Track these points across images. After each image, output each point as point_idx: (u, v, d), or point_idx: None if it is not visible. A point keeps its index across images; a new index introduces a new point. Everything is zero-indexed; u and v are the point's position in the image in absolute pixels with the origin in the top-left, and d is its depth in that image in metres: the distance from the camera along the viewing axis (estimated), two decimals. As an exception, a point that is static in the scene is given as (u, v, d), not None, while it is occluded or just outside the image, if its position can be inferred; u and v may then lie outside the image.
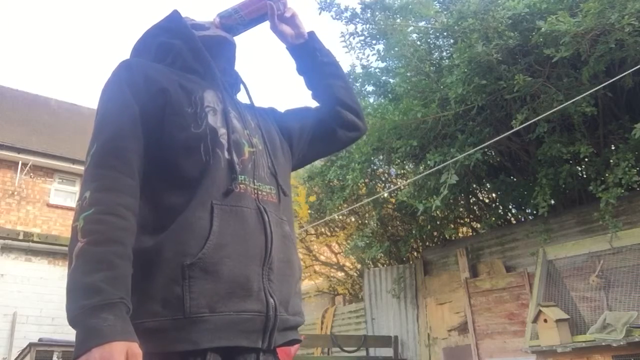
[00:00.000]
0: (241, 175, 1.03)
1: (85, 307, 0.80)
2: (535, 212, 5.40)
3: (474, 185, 6.21)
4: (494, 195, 6.39)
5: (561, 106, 4.10)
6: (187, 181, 0.99)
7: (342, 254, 8.51)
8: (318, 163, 6.57)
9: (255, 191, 1.04)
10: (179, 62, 1.17)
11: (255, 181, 1.06)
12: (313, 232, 8.26)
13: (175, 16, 1.25)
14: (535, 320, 4.13)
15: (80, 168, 11.04)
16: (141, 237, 0.94)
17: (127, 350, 0.79)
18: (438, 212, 5.60)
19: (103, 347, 0.77)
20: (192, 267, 0.91)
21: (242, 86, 1.27)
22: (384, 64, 6.01)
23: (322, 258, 8.86)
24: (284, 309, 1.01)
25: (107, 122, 1.00)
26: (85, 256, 0.85)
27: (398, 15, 5.42)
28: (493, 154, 5.54)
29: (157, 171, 1.00)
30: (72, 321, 0.82)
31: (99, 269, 0.83)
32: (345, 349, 5.72)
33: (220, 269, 0.93)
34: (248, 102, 1.26)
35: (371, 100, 6.25)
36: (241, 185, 1.02)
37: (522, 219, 5.99)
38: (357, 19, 5.36)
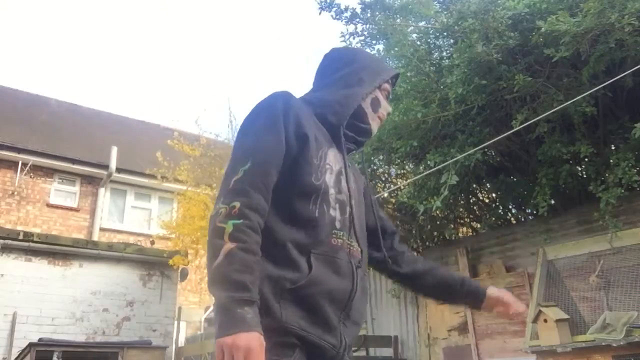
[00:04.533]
0: (341, 231, 1.20)
1: (235, 298, 0.99)
2: (535, 212, 5.40)
3: (474, 185, 6.21)
4: (494, 195, 6.39)
5: (561, 106, 4.10)
6: (295, 223, 1.16)
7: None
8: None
9: (349, 246, 1.21)
10: (325, 113, 1.32)
11: (349, 237, 1.22)
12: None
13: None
14: (535, 320, 4.13)
15: (80, 168, 11.06)
16: None
17: (260, 340, 0.98)
18: (438, 212, 5.59)
19: (249, 333, 0.96)
20: (290, 291, 1.10)
21: (358, 154, 1.52)
22: (384, 64, 6.00)
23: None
24: (347, 352, 1.19)
25: (262, 147, 1.16)
26: (236, 257, 1.02)
27: (398, 15, 5.42)
28: (493, 154, 5.53)
29: (274, 205, 1.15)
30: (221, 307, 1.00)
31: (247, 272, 1.02)
32: (345, 349, 5.71)
33: (311, 301, 1.11)
34: (356, 166, 1.50)
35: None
36: (338, 240, 1.19)
37: (522, 219, 5.99)
38: (357, 19, 5.36)
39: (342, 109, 1.32)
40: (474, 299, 1.50)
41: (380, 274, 1.61)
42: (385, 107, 1.43)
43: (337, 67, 1.40)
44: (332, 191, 1.20)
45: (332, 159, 1.25)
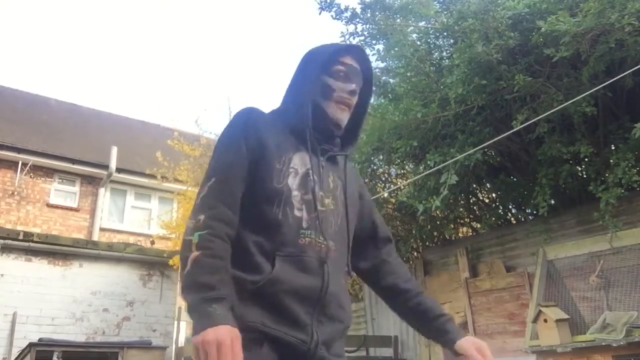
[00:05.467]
0: (308, 230, 1.22)
1: (202, 298, 1.05)
2: (535, 212, 5.40)
3: (474, 185, 6.21)
4: (494, 195, 6.39)
5: (561, 106, 4.10)
6: (260, 228, 1.20)
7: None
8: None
9: (319, 244, 1.23)
10: (287, 119, 1.34)
11: (321, 236, 1.23)
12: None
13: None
14: (535, 320, 4.13)
15: (80, 168, 11.06)
16: None
17: (230, 332, 1.02)
18: (438, 212, 5.60)
19: (215, 328, 1.01)
20: (252, 292, 1.14)
21: (343, 157, 1.43)
22: (384, 64, 6.01)
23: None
24: (325, 347, 1.20)
25: (224, 162, 1.24)
26: (201, 262, 1.09)
27: (398, 15, 5.42)
28: (493, 154, 5.53)
29: (242, 214, 1.21)
30: (191, 309, 1.06)
31: (213, 273, 1.08)
32: (345, 348, 5.71)
33: (274, 300, 1.15)
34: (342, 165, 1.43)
35: (371, 100, 6.25)
36: (306, 239, 1.21)
37: (522, 219, 5.98)
38: (357, 19, 5.36)
39: (299, 110, 1.32)
40: (442, 342, 1.35)
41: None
42: (341, 88, 1.34)
43: (294, 72, 1.42)
44: (295, 193, 1.23)
45: (298, 162, 1.27)
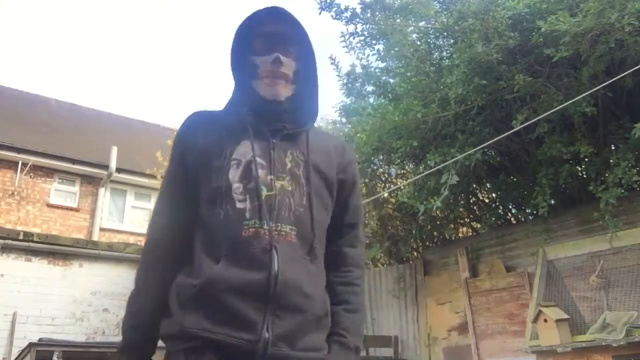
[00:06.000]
0: (251, 220, 1.14)
1: (121, 347, 1.22)
2: (535, 212, 5.40)
3: (474, 185, 6.21)
4: (494, 195, 6.39)
5: (561, 106, 4.10)
6: (207, 231, 1.18)
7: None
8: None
9: (269, 232, 1.13)
10: (230, 110, 1.31)
11: (271, 222, 1.14)
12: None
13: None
14: (535, 320, 4.14)
15: (80, 168, 11.05)
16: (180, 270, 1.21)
17: None
18: (438, 212, 5.60)
19: None
20: (193, 296, 1.11)
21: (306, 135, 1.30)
22: (384, 64, 6.01)
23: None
24: (286, 344, 1.09)
25: (167, 179, 1.31)
26: (128, 305, 1.24)
27: (398, 15, 5.42)
28: (493, 154, 5.53)
29: (194, 221, 1.21)
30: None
31: (130, 318, 1.22)
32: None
33: (215, 302, 1.09)
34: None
35: (371, 100, 6.26)
36: (251, 230, 1.13)
37: (522, 219, 5.99)
38: (357, 19, 5.36)
39: (237, 98, 1.30)
40: None
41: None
42: (263, 61, 1.24)
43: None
44: (237, 185, 1.17)
45: (242, 151, 1.20)
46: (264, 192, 1.16)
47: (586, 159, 4.81)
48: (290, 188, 1.19)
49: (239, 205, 1.16)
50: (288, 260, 1.13)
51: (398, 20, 5.38)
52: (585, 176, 5.00)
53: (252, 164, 1.19)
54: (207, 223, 1.19)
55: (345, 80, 6.16)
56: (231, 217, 1.15)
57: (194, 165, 1.23)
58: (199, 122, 1.30)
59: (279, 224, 1.15)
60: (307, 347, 1.12)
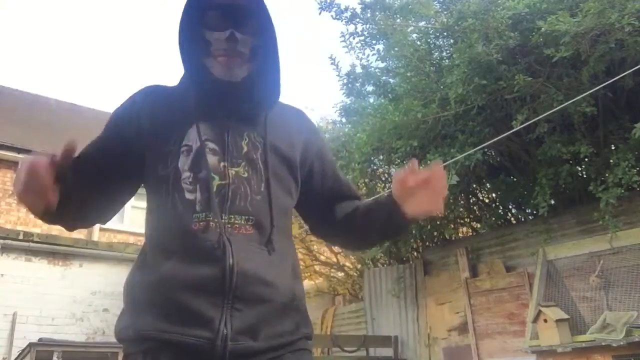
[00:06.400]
0: (202, 213, 1.06)
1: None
2: (535, 212, 5.40)
3: (474, 185, 6.21)
4: (494, 195, 6.39)
5: (561, 106, 4.10)
6: (156, 224, 1.12)
7: (342, 253, 8.50)
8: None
9: (221, 224, 1.05)
10: (184, 92, 1.19)
11: (223, 214, 1.06)
12: (313, 232, 8.23)
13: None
14: (535, 320, 4.13)
15: (80, 168, 11.05)
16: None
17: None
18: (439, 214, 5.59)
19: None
20: (144, 297, 1.06)
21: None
22: (384, 64, 6.01)
23: (322, 258, 8.85)
24: (248, 337, 1.02)
25: (109, 123, 1.21)
26: None
27: (398, 15, 5.42)
28: (493, 154, 5.53)
29: (147, 213, 1.16)
30: None
31: None
32: (345, 349, 5.71)
33: (167, 300, 1.02)
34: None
35: (371, 100, 6.26)
36: (201, 223, 1.05)
37: (522, 219, 5.99)
38: (357, 19, 5.36)
39: (189, 79, 1.19)
40: (390, 199, 1.18)
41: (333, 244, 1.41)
42: (217, 38, 1.12)
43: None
44: (187, 174, 1.08)
45: (193, 137, 1.11)
46: (216, 182, 1.08)
47: (586, 159, 4.81)
48: (246, 175, 1.10)
49: (188, 196, 1.07)
50: (243, 251, 1.05)
51: (398, 20, 5.38)
52: (585, 176, 5.00)
53: (203, 150, 1.09)
54: (155, 214, 1.13)
55: (345, 80, 6.16)
56: (179, 210, 1.06)
57: (142, 143, 1.13)
58: (156, 98, 1.19)
59: (233, 216, 1.07)
60: (273, 335, 1.06)
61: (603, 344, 3.67)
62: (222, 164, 1.10)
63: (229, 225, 1.06)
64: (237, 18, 1.12)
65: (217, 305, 1.01)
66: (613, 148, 4.76)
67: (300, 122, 1.28)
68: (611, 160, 4.46)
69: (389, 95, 5.71)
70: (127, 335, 1.07)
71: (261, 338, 1.04)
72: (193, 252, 1.04)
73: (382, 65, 6.01)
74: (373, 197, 1.14)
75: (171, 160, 1.10)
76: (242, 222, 1.07)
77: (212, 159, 1.10)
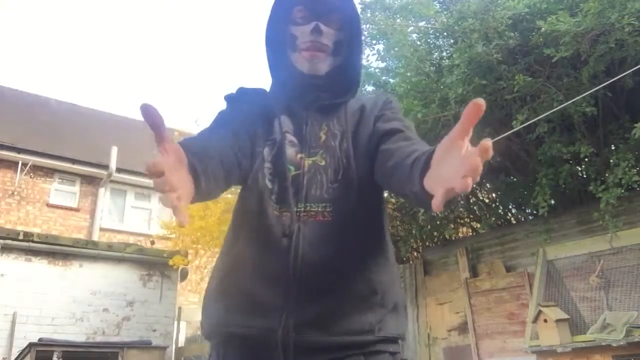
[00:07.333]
0: (277, 202, 1.07)
1: None
2: (535, 212, 5.40)
3: (474, 185, 6.19)
4: (494, 195, 6.39)
5: (561, 106, 4.10)
6: (238, 209, 1.15)
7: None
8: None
9: (295, 213, 1.05)
10: (274, 91, 1.22)
11: (299, 202, 1.06)
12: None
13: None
14: (535, 320, 4.14)
15: (80, 168, 11.05)
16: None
17: None
18: (438, 212, 5.60)
19: None
20: (221, 284, 1.08)
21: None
22: (384, 64, 6.01)
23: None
24: (317, 329, 0.98)
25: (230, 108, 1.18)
26: None
27: (398, 15, 5.42)
28: (493, 154, 5.53)
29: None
30: None
31: None
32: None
33: (237, 288, 1.04)
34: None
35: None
36: (274, 212, 1.06)
37: (522, 219, 5.99)
38: (357, 19, 5.36)
39: (276, 75, 1.21)
40: (426, 158, 0.84)
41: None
42: (302, 32, 1.14)
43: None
44: (267, 166, 1.09)
45: (277, 129, 1.12)
46: (292, 172, 1.08)
47: (586, 159, 4.81)
48: (323, 162, 1.09)
49: (268, 184, 1.08)
50: (316, 240, 1.03)
51: (398, 20, 5.38)
52: (585, 176, 5.00)
53: (283, 142, 1.11)
54: (238, 203, 1.15)
55: (345, 80, 6.16)
56: (259, 197, 1.07)
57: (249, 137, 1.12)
58: (250, 95, 1.21)
59: (309, 204, 1.06)
60: (347, 331, 0.99)
61: (603, 344, 3.67)
62: (299, 155, 1.11)
63: (305, 214, 1.05)
64: (323, 12, 1.14)
65: (282, 294, 0.99)
66: (613, 148, 4.76)
67: (374, 104, 1.20)
68: (611, 160, 4.46)
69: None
70: (204, 331, 1.09)
71: (333, 332, 0.99)
72: (264, 240, 1.04)
73: (382, 65, 6.01)
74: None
75: (258, 153, 1.11)
76: (320, 210, 1.06)
77: (290, 151, 1.11)
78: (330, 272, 1.02)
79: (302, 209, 1.05)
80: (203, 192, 0.83)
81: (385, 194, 1.29)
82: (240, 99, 1.19)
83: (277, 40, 1.19)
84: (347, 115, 1.16)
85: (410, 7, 5.36)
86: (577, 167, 5.03)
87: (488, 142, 0.69)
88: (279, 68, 1.20)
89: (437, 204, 0.69)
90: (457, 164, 0.71)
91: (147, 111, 0.69)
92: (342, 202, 1.07)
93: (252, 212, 1.08)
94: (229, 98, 1.19)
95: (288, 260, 1.01)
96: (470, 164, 0.68)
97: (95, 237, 10.55)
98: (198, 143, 0.92)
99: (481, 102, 0.69)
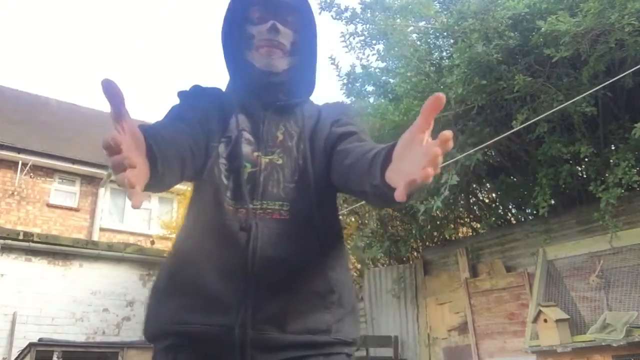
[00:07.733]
0: (233, 199, 1.05)
1: None
2: (535, 212, 5.40)
3: (474, 185, 6.21)
4: (494, 195, 6.39)
5: (561, 106, 4.10)
6: (191, 206, 1.12)
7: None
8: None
9: (250, 210, 1.04)
10: (231, 86, 1.24)
11: (255, 200, 1.05)
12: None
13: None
14: (535, 320, 4.13)
15: (80, 168, 11.05)
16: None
17: None
18: (438, 212, 5.60)
19: None
20: (172, 283, 1.04)
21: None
22: (384, 64, 6.01)
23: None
24: (274, 326, 0.97)
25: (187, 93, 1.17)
26: None
27: (398, 15, 5.42)
28: (493, 154, 5.53)
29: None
30: None
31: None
32: (345, 349, 5.71)
33: (189, 284, 1.00)
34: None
35: (371, 100, 6.26)
36: (229, 208, 1.04)
37: (522, 219, 5.99)
38: (357, 19, 5.36)
39: (232, 73, 1.22)
40: (385, 153, 0.85)
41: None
42: (261, 31, 1.15)
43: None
44: (223, 163, 1.09)
45: (233, 127, 1.12)
46: (247, 169, 1.08)
47: (586, 159, 4.81)
48: (280, 161, 1.10)
49: (224, 180, 1.07)
50: (273, 237, 1.02)
51: (398, 20, 5.38)
52: (585, 176, 5.00)
53: (239, 140, 1.11)
54: (192, 201, 1.13)
55: (345, 80, 6.16)
56: (215, 193, 1.06)
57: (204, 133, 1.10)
58: (205, 92, 1.21)
59: (266, 202, 1.06)
60: (304, 330, 0.99)
61: (603, 344, 3.67)
62: (255, 153, 1.11)
63: (261, 211, 1.05)
64: (280, 12, 1.15)
65: (240, 290, 0.97)
66: (613, 148, 4.76)
67: (331, 110, 1.22)
68: (611, 160, 4.46)
69: (389, 95, 5.70)
70: (150, 333, 1.04)
71: (289, 330, 0.98)
72: (218, 236, 1.02)
73: (382, 65, 6.01)
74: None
75: (213, 149, 1.10)
76: (277, 208, 1.06)
77: (246, 148, 1.11)
78: (288, 269, 1.01)
79: (259, 206, 1.05)
80: (158, 178, 0.81)
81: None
82: (195, 96, 1.18)
83: (234, 39, 1.19)
84: (305, 117, 1.17)
85: (410, 7, 5.35)
86: (577, 167, 5.03)
87: (448, 133, 0.68)
88: (236, 67, 1.21)
89: (399, 194, 0.71)
90: (418, 156, 0.73)
91: (108, 87, 0.68)
92: (299, 201, 1.07)
93: (208, 207, 1.06)
94: (182, 94, 1.19)
95: (246, 255, 0.99)
96: (431, 155, 0.70)
97: (95, 237, 10.55)
98: (155, 129, 0.88)
99: (441, 95, 0.69)
